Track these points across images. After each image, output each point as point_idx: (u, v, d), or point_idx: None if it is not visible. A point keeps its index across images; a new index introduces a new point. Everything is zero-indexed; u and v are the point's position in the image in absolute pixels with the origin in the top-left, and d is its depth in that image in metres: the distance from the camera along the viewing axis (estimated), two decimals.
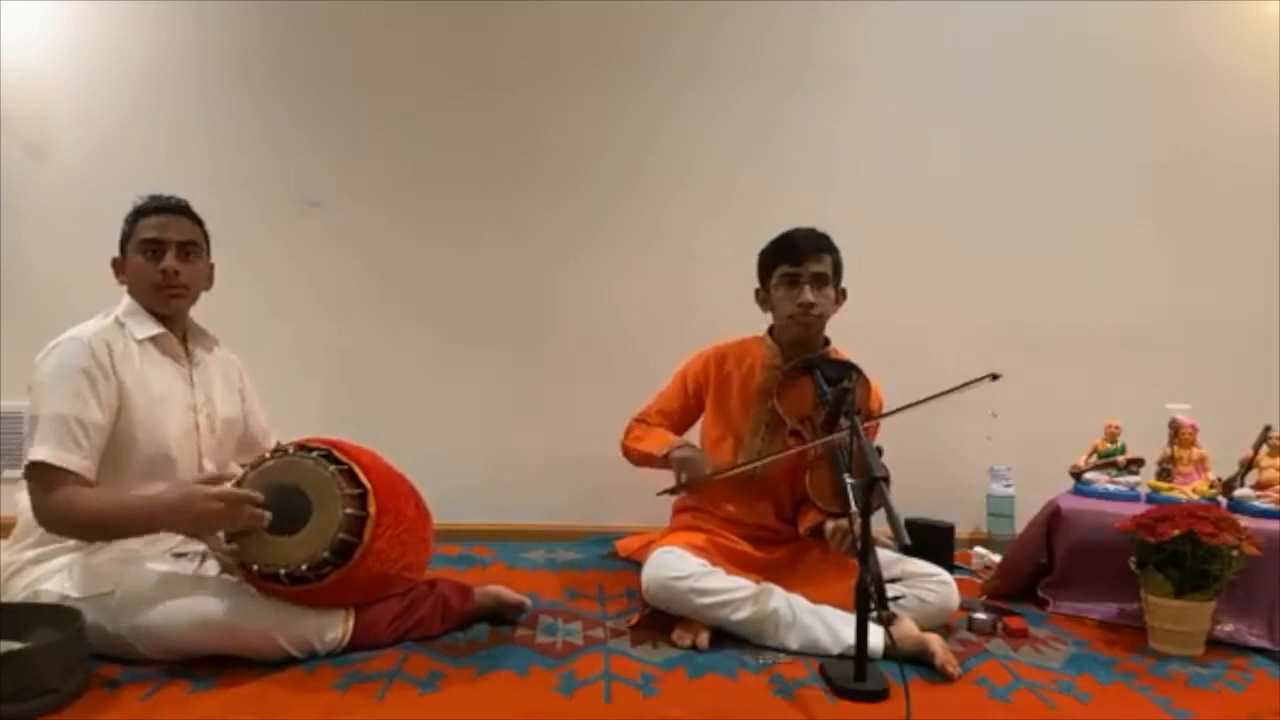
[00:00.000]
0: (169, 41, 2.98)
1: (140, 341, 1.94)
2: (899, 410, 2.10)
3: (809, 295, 2.24)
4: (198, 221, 2.03)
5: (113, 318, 1.95)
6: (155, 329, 1.97)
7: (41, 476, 1.77)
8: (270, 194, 3.01)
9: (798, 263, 2.26)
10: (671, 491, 2.21)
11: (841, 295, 2.33)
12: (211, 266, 2.09)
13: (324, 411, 2.94)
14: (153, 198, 2.01)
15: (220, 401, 2.09)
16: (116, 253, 2.01)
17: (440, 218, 3.09)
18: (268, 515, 1.77)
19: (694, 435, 2.50)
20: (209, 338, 2.13)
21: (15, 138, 2.97)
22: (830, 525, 2.13)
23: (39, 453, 1.76)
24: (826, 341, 2.37)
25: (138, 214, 1.98)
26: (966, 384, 2.05)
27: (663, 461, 2.28)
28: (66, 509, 1.76)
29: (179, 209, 2.00)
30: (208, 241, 2.06)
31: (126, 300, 1.99)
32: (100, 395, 1.83)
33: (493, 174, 3.09)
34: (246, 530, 1.78)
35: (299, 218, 3.03)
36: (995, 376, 2.01)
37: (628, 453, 2.46)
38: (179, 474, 1.93)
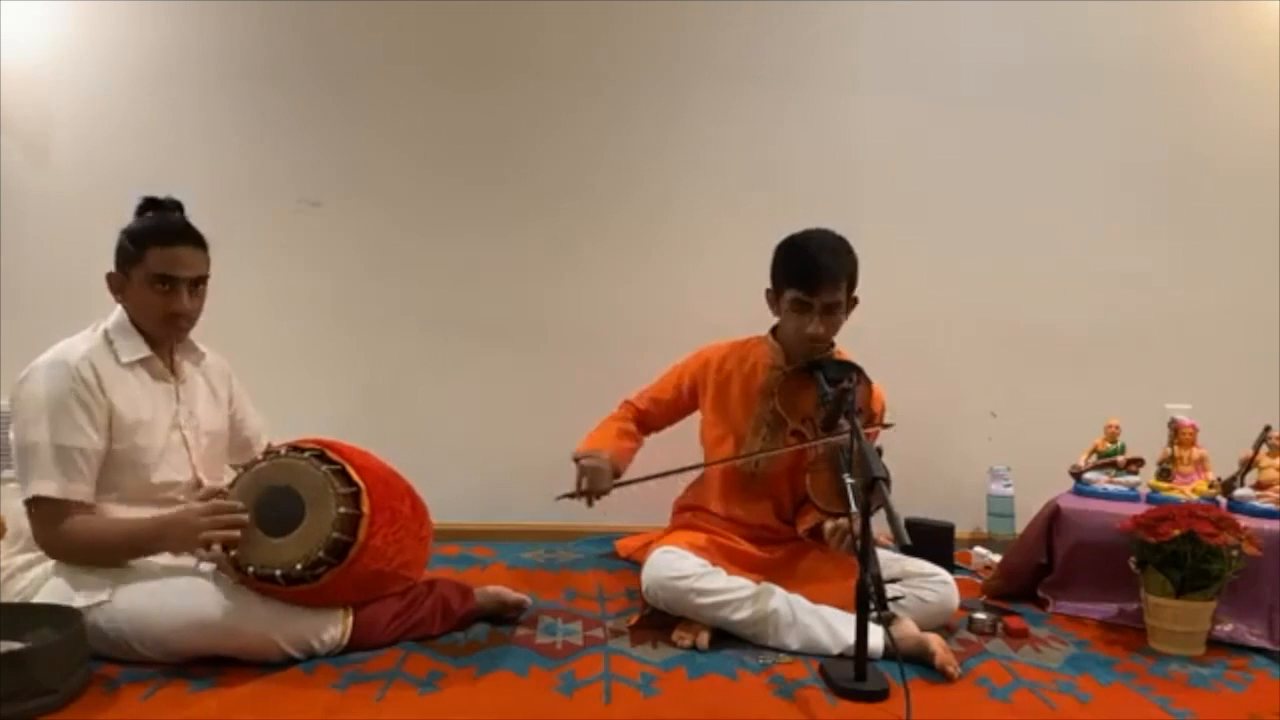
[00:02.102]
0: (169, 41, 2.98)
1: (127, 364, 1.91)
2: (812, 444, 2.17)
3: (818, 328, 2.20)
4: (203, 244, 1.97)
5: (101, 333, 1.93)
6: (143, 351, 1.94)
7: (47, 510, 1.77)
8: (270, 194, 3.01)
9: (812, 293, 2.19)
10: (568, 496, 2.20)
11: (853, 303, 2.28)
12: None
13: (323, 411, 2.93)
14: (159, 216, 1.95)
15: (204, 415, 2.07)
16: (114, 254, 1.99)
17: (441, 217, 3.09)
18: (243, 517, 1.78)
19: (691, 433, 2.50)
20: (196, 351, 2.10)
21: (15, 138, 2.97)
22: (829, 525, 2.13)
23: (45, 487, 1.75)
24: (830, 344, 2.37)
25: (146, 239, 1.89)
26: (872, 429, 2.23)
27: (574, 459, 2.26)
28: (73, 539, 1.78)
29: (189, 236, 1.94)
30: (209, 263, 2.00)
31: (118, 314, 1.95)
32: (95, 420, 1.82)
33: (494, 174, 3.09)
34: (228, 539, 1.77)
35: (298, 217, 3.03)
36: (888, 425, 2.27)
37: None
38: (172, 491, 1.93)
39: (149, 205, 1.99)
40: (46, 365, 1.84)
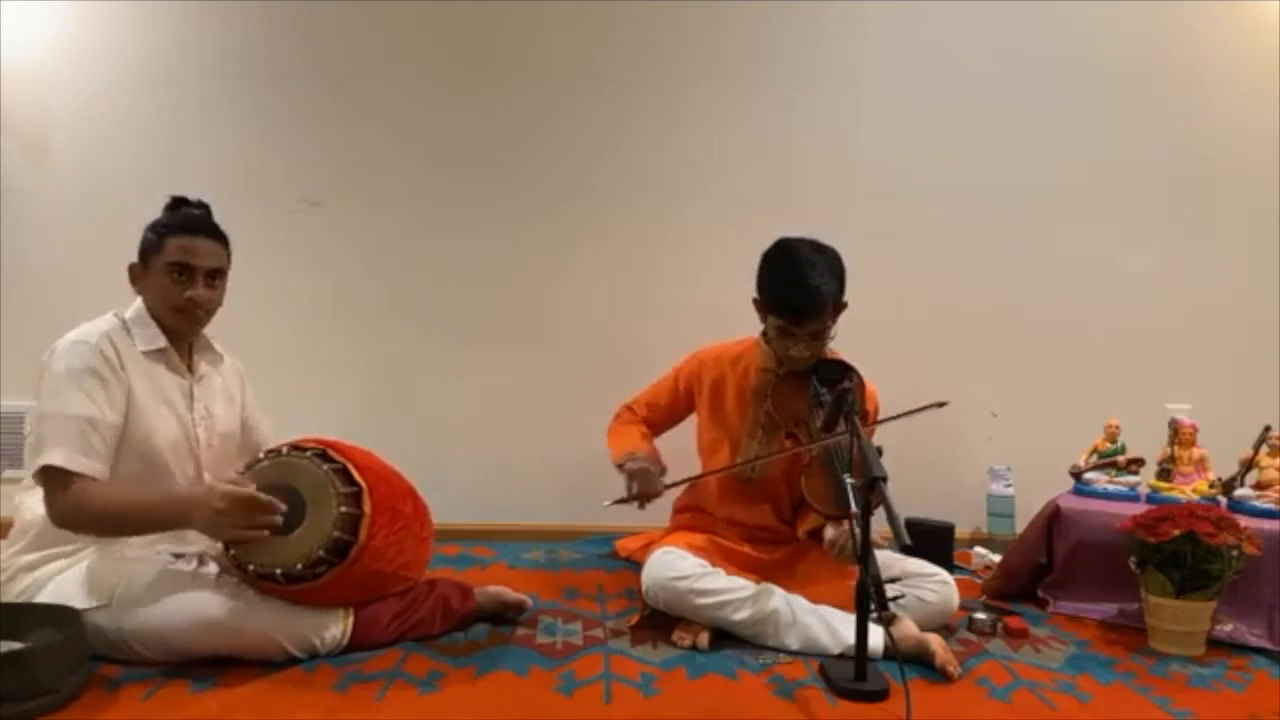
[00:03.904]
0: (169, 41, 2.98)
1: (143, 353, 1.92)
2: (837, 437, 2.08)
3: (803, 351, 2.18)
4: (224, 241, 1.99)
5: (120, 321, 1.93)
6: (159, 343, 1.94)
7: (56, 480, 1.75)
8: (270, 194, 3.01)
9: (796, 324, 2.15)
10: (621, 501, 2.19)
11: (841, 308, 2.24)
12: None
13: (324, 411, 2.92)
14: (182, 209, 1.98)
15: (221, 415, 2.07)
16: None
17: (441, 217, 3.09)
18: (278, 520, 1.76)
19: (687, 436, 2.50)
20: (214, 352, 2.11)
21: (15, 138, 2.97)
22: (829, 536, 2.13)
23: (54, 456, 1.74)
24: None
25: (168, 229, 1.93)
26: (915, 410, 2.05)
27: (618, 467, 2.24)
28: (81, 508, 1.75)
29: (209, 230, 1.96)
30: (229, 259, 2.02)
31: (137, 306, 1.96)
32: (111, 396, 1.82)
33: (494, 174, 3.09)
34: (253, 540, 1.77)
35: (298, 217, 3.03)
36: (942, 404, 2.03)
37: (607, 437, 2.45)
38: (174, 486, 1.92)
39: (177, 204, 2.00)
40: (67, 343, 1.85)
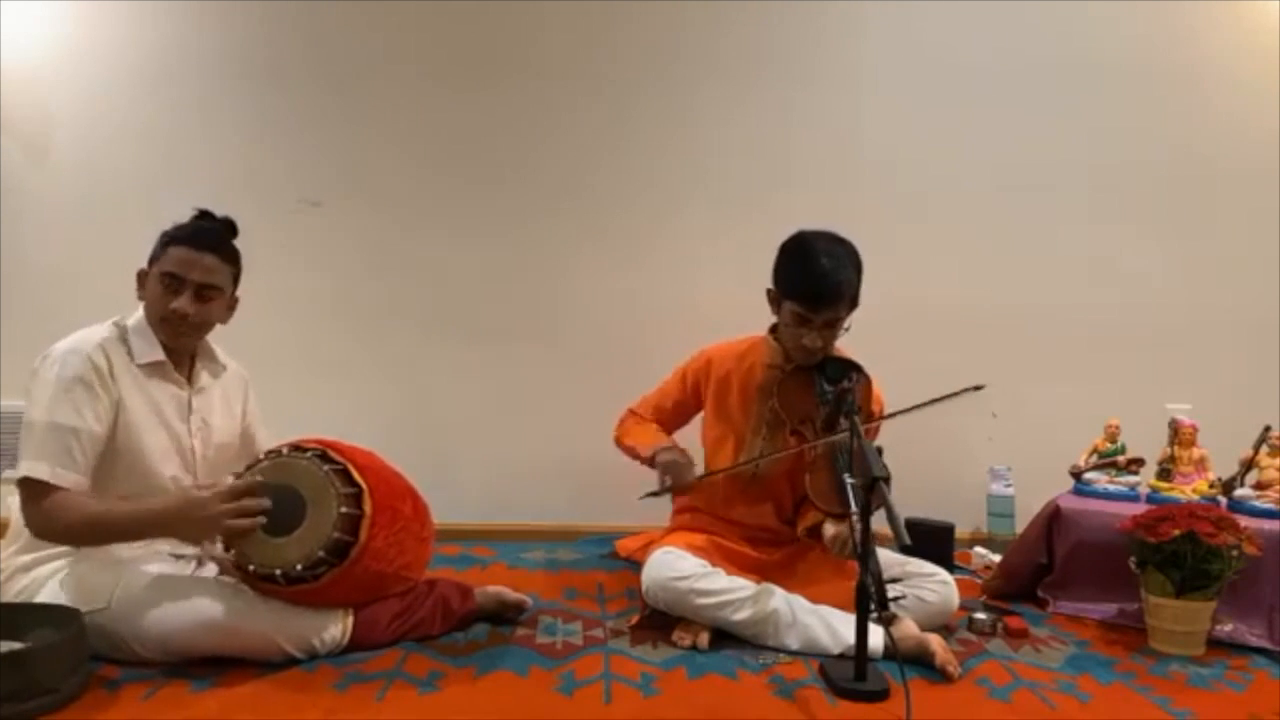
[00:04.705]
0: (169, 41, 2.98)
1: (139, 366, 1.90)
2: (889, 416, 2.11)
3: (816, 341, 2.17)
4: (229, 258, 1.96)
5: (119, 330, 1.92)
6: (156, 355, 1.92)
7: (34, 490, 1.75)
8: (270, 194, 3.01)
9: (813, 310, 2.14)
10: (654, 494, 2.19)
11: (857, 302, 2.24)
12: (235, 300, 2.02)
13: (323, 411, 2.93)
14: (195, 223, 1.96)
15: (218, 425, 2.06)
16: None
17: (442, 217, 3.09)
18: (265, 502, 1.77)
19: (691, 433, 2.50)
20: (217, 363, 2.09)
21: (15, 138, 2.97)
22: (830, 533, 2.13)
23: (36, 469, 1.74)
24: None
25: (174, 238, 1.91)
26: (952, 395, 2.04)
27: (648, 461, 2.26)
28: (58, 519, 1.75)
29: (214, 246, 1.93)
30: (237, 278, 1.99)
31: (140, 314, 1.95)
32: (98, 408, 1.81)
33: (494, 174, 3.09)
34: (246, 529, 1.77)
35: (298, 217, 3.03)
36: (979, 388, 2.03)
37: (618, 443, 2.45)
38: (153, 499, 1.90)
39: (199, 216, 1.99)
40: (61, 350, 1.83)
